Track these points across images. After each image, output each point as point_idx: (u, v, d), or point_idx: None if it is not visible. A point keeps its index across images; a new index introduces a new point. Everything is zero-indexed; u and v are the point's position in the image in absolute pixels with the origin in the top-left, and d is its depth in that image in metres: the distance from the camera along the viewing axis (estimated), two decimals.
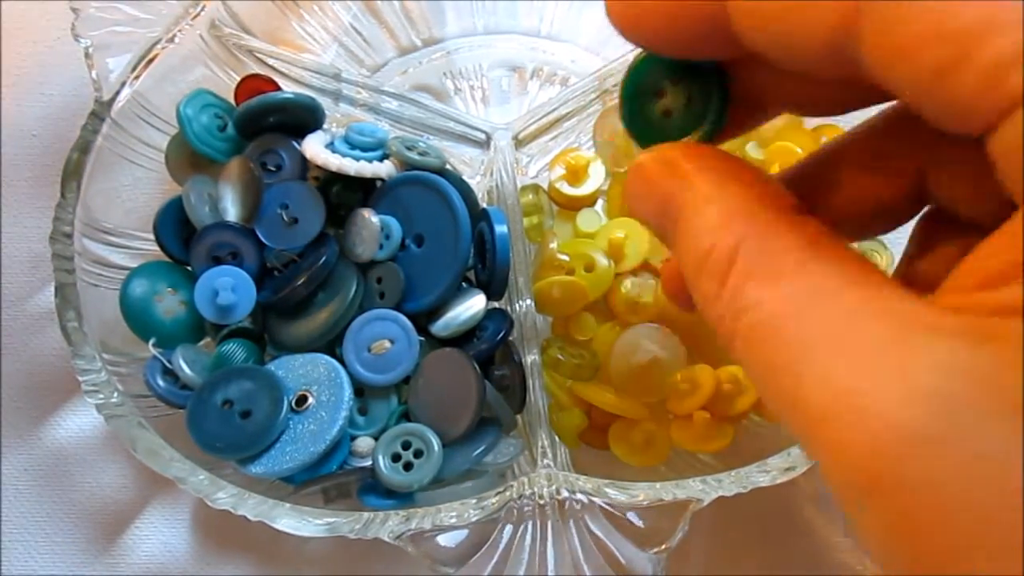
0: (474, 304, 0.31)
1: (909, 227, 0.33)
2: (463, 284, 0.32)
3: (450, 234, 0.31)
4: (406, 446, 0.29)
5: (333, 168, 0.30)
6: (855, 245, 0.33)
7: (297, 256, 0.31)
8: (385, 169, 0.31)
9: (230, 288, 0.29)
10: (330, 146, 0.32)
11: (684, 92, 0.19)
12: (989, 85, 0.12)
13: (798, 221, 0.15)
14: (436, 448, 0.29)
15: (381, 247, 0.31)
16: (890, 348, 0.13)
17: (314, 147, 0.31)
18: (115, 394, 0.28)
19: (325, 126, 0.33)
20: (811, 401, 0.13)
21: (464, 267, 0.31)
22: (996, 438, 0.11)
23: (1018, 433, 0.11)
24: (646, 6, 0.17)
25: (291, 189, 0.31)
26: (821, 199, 0.20)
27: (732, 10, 0.15)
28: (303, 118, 0.32)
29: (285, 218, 0.31)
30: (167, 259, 0.32)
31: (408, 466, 0.29)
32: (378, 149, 0.32)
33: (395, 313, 0.30)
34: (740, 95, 0.19)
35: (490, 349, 0.30)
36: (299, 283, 0.30)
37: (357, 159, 0.31)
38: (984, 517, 0.11)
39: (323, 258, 0.30)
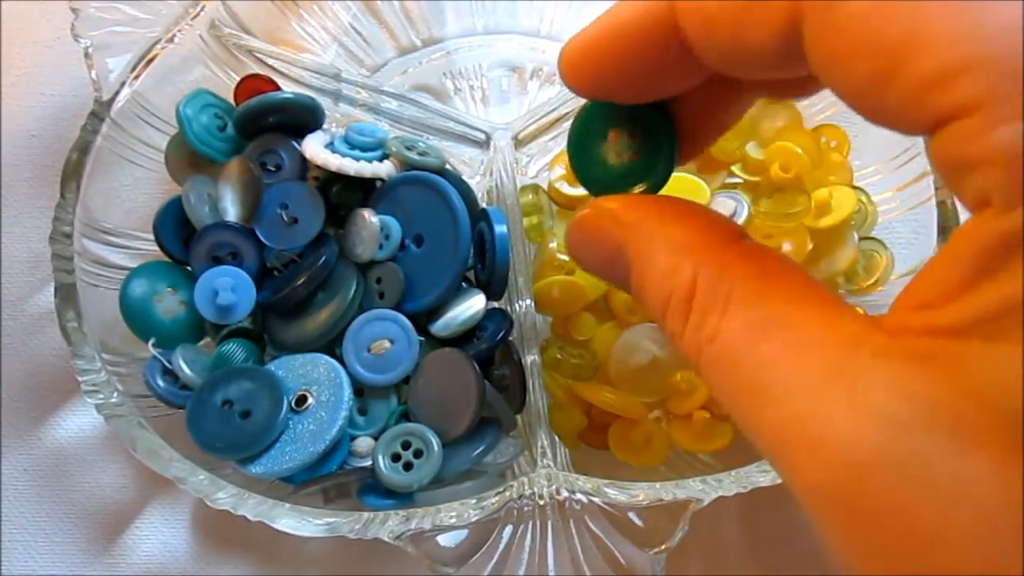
0: (474, 304, 0.31)
1: (908, 227, 0.34)
2: (463, 284, 0.32)
3: (450, 234, 0.30)
4: (406, 446, 0.29)
5: (333, 168, 0.30)
6: (879, 250, 0.33)
7: (297, 256, 0.31)
8: (385, 169, 0.31)
9: (230, 288, 0.29)
10: (330, 146, 0.31)
11: (632, 137, 0.19)
12: (916, 99, 0.12)
13: (746, 250, 0.16)
14: (436, 448, 0.29)
15: (381, 247, 0.31)
16: (839, 374, 0.13)
17: (314, 147, 0.31)
18: (115, 394, 0.28)
19: (325, 126, 0.33)
20: (770, 426, 0.14)
21: (464, 267, 0.31)
22: (941, 460, 0.12)
23: (960, 453, 0.12)
24: (598, 43, 0.17)
25: (291, 189, 0.31)
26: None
27: (681, 11, 0.15)
28: (303, 118, 0.32)
29: (285, 218, 0.31)
30: (167, 259, 0.32)
31: (408, 466, 0.29)
32: (378, 149, 0.32)
33: (395, 313, 0.30)
34: (688, 126, 0.19)
35: (490, 349, 0.30)
36: (299, 283, 0.30)
37: (357, 159, 0.31)
38: (938, 537, 0.12)
39: (323, 258, 0.30)
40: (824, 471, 0.13)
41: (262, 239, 0.31)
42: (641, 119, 0.19)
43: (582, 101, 0.21)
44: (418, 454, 0.29)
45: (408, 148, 0.32)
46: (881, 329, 0.14)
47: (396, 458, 0.29)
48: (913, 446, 0.12)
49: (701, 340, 0.15)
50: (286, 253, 0.31)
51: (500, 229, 0.30)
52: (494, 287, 0.31)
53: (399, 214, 0.31)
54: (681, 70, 0.16)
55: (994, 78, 0.12)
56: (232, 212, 0.31)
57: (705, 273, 0.16)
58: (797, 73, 0.15)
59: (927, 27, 0.12)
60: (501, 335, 0.30)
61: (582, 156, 0.20)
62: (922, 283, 0.14)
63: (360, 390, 0.31)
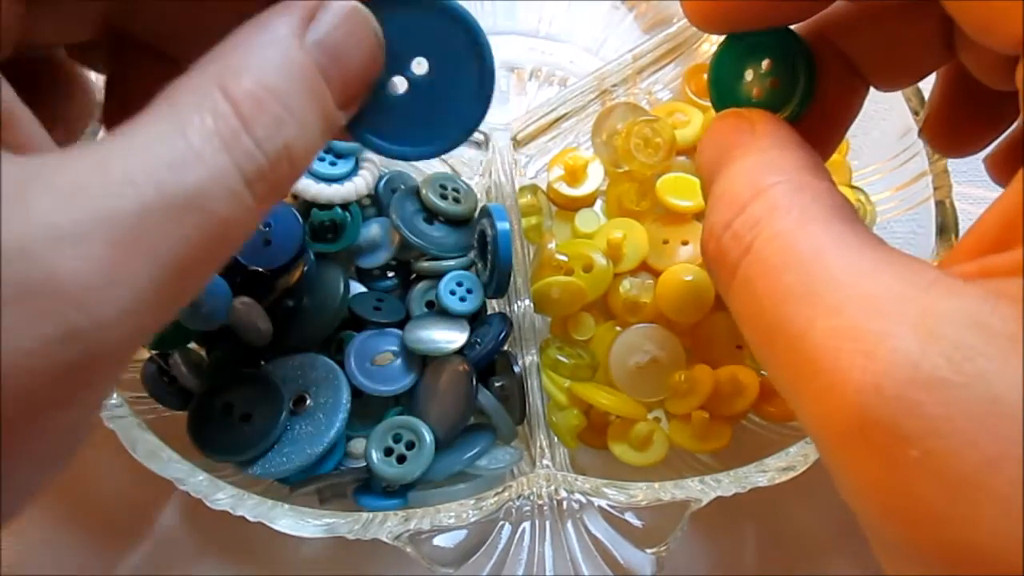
0: (456, 339, 0.31)
1: (907, 227, 0.33)
2: (456, 320, 0.32)
3: (469, 59, 0.21)
4: (397, 439, 0.29)
5: (308, 198, 0.31)
6: None
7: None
8: (355, 189, 0.32)
9: (207, 295, 0.29)
10: None
11: (770, 73, 0.20)
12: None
13: (835, 192, 0.16)
14: (428, 440, 0.29)
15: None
16: (910, 302, 0.13)
17: None
18: (114, 395, 0.28)
19: None
20: (815, 335, 0.13)
21: (488, 103, 0.22)
22: (1009, 385, 0.12)
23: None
24: None
25: (275, 210, 0.31)
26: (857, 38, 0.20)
27: None
28: None
29: (263, 237, 0.31)
30: None
31: (401, 459, 0.29)
32: (351, 157, 0.32)
33: (399, 331, 0.31)
34: (828, 71, 0.20)
35: (489, 354, 0.30)
36: (281, 297, 0.30)
37: (329, 176, 0.31)
38: (998, 456, 0.11)
39: (304, 269, 0.30)
40: (877, 385, 0.12)
41: (238, 258, 0.31)
42: (775, 48, 0.20)
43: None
44: (410, 446, 0.29)
45: (442, 192, 0.32)
46: (949, 272, 0.14)
47: (389, 452, 0.29)
48: (980, 369, 0.12)
49: (758, 233, 0.15)
50: None
51: (502, 226, 0.30)
52: (496, 285, 0.31)
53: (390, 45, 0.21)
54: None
55: None
56: None
57: (793, 183, 0.16)
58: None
59: None
60: (501, 336, 0.30)
61: (723, 94, 0.21)
62: (987, 226, 0.14)
63: (358, 392, 0.31)
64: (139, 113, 0.14)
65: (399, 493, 0.29)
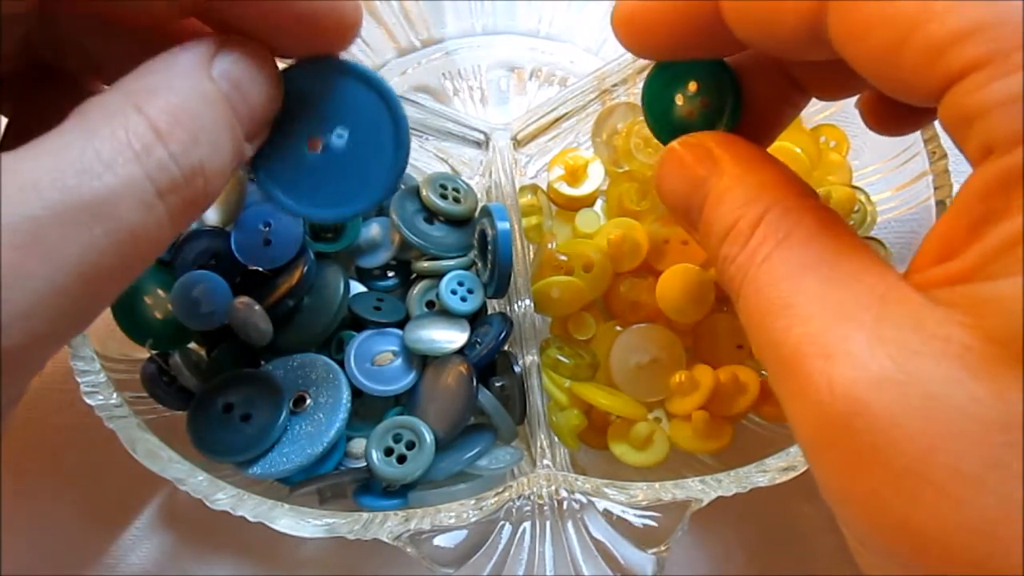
0: (456, 339, 0.31)
1: (907, 227, 0.33)
2: (455, 317, 0.32)
3: (384, 125, 0.21)
4: (397, 439, 0.29)
5: None
6: (878, 249, 0.34)
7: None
8: None
9: (207, 294, 0.29)
10: None
11: (699, 94, 0.21)
12: (927, 64, 0.14)
13: (813, 205, 0.18)
14: (428, 440, 0.29)
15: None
16: (865, 309, 0.15)
17: None
18: (114, 395, 0.28)
19: None
20: (789, 342, 0.15)
21: (402, 168, 0.21)
22: (944, 383, 0.13)
23: (960, 377, 0.13)
24: (649, 16, 0.19)
25: (276, 210, 0.31)
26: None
27: (723, 9, 0.17)
28: None
29: (263, 237, 0.31)
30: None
31: (402, 459, 0.29)
32: None
33: (399, 331, 0.31)
34: (763, 83, 0.21)
35: (490, 354, 0.30)
36: (280, 297, 0.30)
37: None
38: (931, 447, 0.13)
39: (305, 269, 0.30)
40: (832, 385, 0.14)
41: (236, 255, 0.30)
42: (700, 70, 0.21)
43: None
44: (410, 446, 0.29)
45: (442, 192, 0.32)
46: (911, 282, 0.15)
47: (389, 452, 0.29)
48: (920, 370, 0.13)
49: (753, 262, 0.17)
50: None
51: (503, 226, 0.30)
52: (497, 285, 0.31)
53: (308, 107, 0.21)
54: (724, 41, 0.18)
55: (998, 37, 0.13)
56: (213, 216, 0.31)
57: (776, 210, 0.17)
58: (820, 56, 0.16)
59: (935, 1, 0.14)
60: (502, 337, 0.30)
61: (655, 110, 0.22)
62: (934, 241, 0.15)
63: (358, 392, 0.31)
64: (54, 129, 0.15)
65: (399, 493, 0.29)
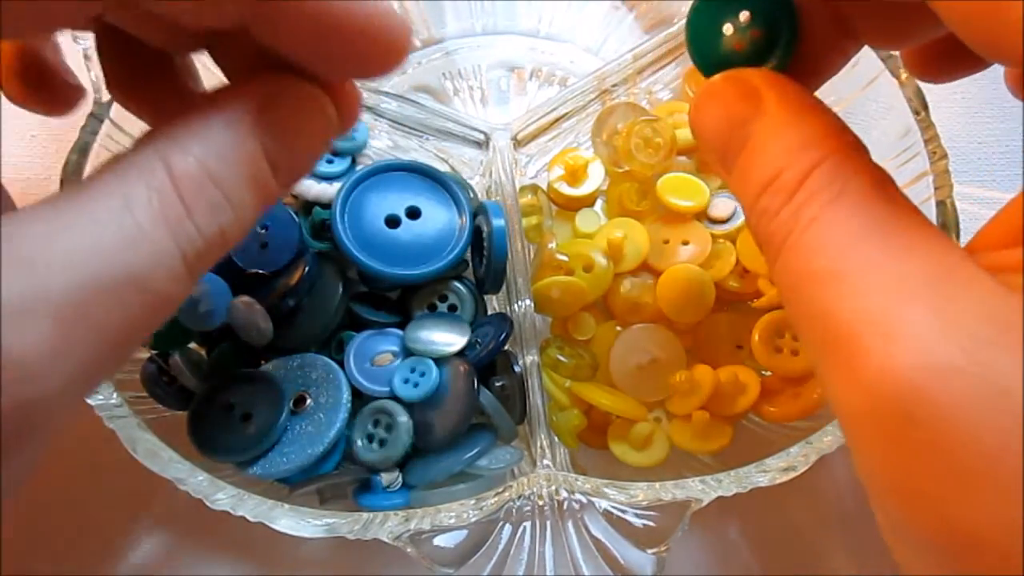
0: (455, 342, 0.30)
1: None
2: (456, 324, 0.32)
3: (447, 210, 0.32)
4: (376, 424, 0.29)
5: (294, 192, 0.31)
6: None
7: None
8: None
9: (207, 294, 0.29)
10: None
11: (751, 25, 0.19)
12: None
13: (868, 162, 0.16)
14: (402, 420, 0.29)
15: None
16: (932, 287, 0.13)
17: None
18: (114, 395, 0.28)
19: None
20: (841, 316, 0.14)
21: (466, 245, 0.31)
22: (1015, 375, 0.12)
23: None
24: None
25: (273, 212, 0.31)
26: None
27: None
28: None
29: (260, 240, 0.31)
30: None
31: (382, 443, 0.29)
32: (348, 156, 0.33)
33: (399, 331, 0.31)
34: (813, 22, 0.19)
35: (490, 354, 0.30)
36: (280, 298, 0.30)
37: (320, 175, 0.31)
38: (1003, 447, 0.12)
39: (305, 270, 0.30)
40: (893, 367, 0.13)
41: (234, 259, 0.30)
42: (760, 1, 0.19)
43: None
44: (389, 428, 0.29)
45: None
46: (972, 261, 0.14)
47: (371, 439, 0.29)
48: (992, 361, 0.12)
49: (798, 221, 0.15)
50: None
51: (498, 223, 0.30)
52: (491, 281, 0.31)
53: (386, 191, 0.31)
54: None
55: None
56: None
57: (830, 161, 0.16)
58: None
59: None
60: (502, 337, 0.30)
61: (701, 41, 0.20)
62: (1003, 223, 0.14)
63: (358, 392, 0.31)
64: (88, 179, 0.15)
65: (399, 493, 0.29)
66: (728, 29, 0.20)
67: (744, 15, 0.19)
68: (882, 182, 0.15)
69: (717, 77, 0.19)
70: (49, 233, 0.13)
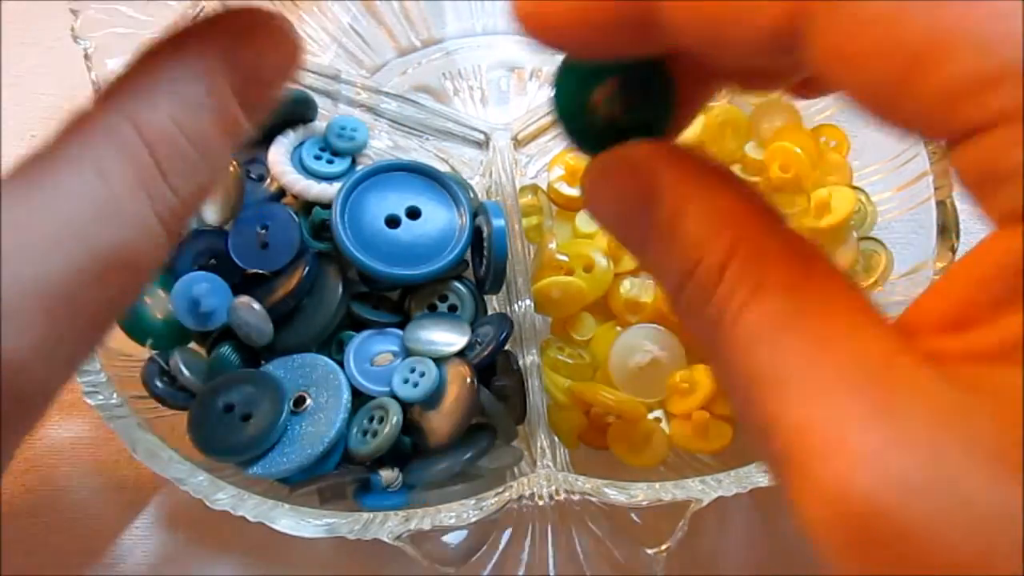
0: (455, 342, 0.31)
1: (908, 227, 0.33)
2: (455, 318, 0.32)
3: (447, 207, 0.32)
4: (371, 419, 0.29)
5: (294, 192, 0.31)
6: (878, 250, 0.33)
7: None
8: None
9: (207, 295, 0.29)
10: (298, 150, 0.32)
11: (620, 89, 0.17)
12: (943, 106, 0.12)
13: (787, 236, 0.14)
14: (393, 410, 0.29)
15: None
16: (871, 385, 0.12)
17: (278, 165, 0.31)
18: (114, 395, 0.28)
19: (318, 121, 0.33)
20: (786, 424, 0.13)
21: (468, 242, 0.31)
22: (979, 488, 0.11)
23: (998, 480, 0.11)
24: (565, 15, 0.15)
25: (274, 212, 0.31)
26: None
27: (668, 9, 0.14)
28: (298, 113, 0.32)
29: (260, 239, 0.31)
30: None
31: (374, 435, 0.29)
32: (348, 156, 0.33)
33: (399, 331, 0.31)
34: (680, 74, 0.17)
35: (490, 354, 0.30)
36: (281, 298, 0.30)
37: (321, 174, 0.31)
38: (979, 555, 0.11)
39: (304, 271, 0.30)
40: (847, 483, 0.12)
41: (234, 259, 0.30)
42: (628, 72, 0.17)
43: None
44: (381, 421, 0.29)
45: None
46: (917, 349, 0.13)
47: (364, 433, 0.29)
48: (949, 472, 0.11)
49: (723, 320, 0.14)
50: None
51: (498, 223, 0.30)
52: (491, 281, 0.31)
53: (386, 192, 0.32)
54: (652, 40, 0.15)
55: None
56: (211, 214, 0.31)
57: (744, 248, 0.14)
58: (778, 65, 0.14)
59: (954, 30, 0.11)
60: (502, 337, 0.30)
61: (571, 117, 0.18)
62: (945, 299, 0.13)
63: (358, 392, 0.31)
64: (54, 145, 0.14)
65: (399, 493, 0.29)
66: (598, 98, 0.17)
67: (613, 84, 0.17)
68: (806, 257, 0.14)
69: (603, 157, 0.16)
70: (25, 219, 0.13)
